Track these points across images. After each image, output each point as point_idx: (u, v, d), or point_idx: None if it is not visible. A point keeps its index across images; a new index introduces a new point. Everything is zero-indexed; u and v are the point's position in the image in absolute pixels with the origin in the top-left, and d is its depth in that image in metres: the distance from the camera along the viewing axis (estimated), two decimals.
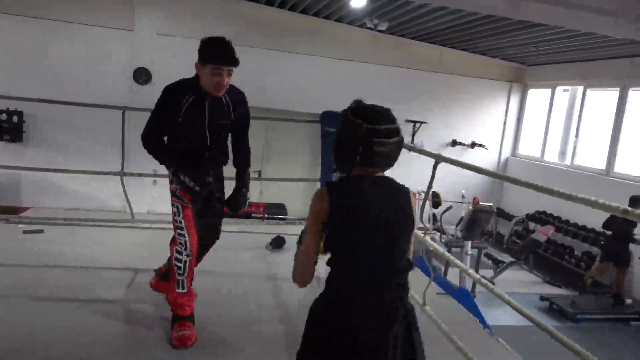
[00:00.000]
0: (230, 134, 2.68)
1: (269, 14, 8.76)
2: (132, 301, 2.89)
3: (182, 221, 2.48)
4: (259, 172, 8.78)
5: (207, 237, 2.75)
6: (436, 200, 9.28)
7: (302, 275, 1.61)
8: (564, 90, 9.58)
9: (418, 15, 7.58)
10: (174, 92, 2.42)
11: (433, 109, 10.05)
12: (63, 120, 7.97)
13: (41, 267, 3.19)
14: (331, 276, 1.61)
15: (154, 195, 7.63)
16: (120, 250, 3.60)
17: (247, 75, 8.41)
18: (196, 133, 2.47)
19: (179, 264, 2.48)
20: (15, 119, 7.98)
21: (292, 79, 9.04)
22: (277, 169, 8.76)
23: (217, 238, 2.82)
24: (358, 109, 1.58)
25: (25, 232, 3.77)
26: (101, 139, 7.28)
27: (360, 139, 1.51)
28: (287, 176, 8.39)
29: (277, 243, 4.06)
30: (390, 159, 1.57)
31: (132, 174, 3.97)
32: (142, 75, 8.32)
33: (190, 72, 2.48)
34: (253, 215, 8.45)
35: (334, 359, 1.54)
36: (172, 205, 2.51)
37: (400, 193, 1.61)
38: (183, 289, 2.50)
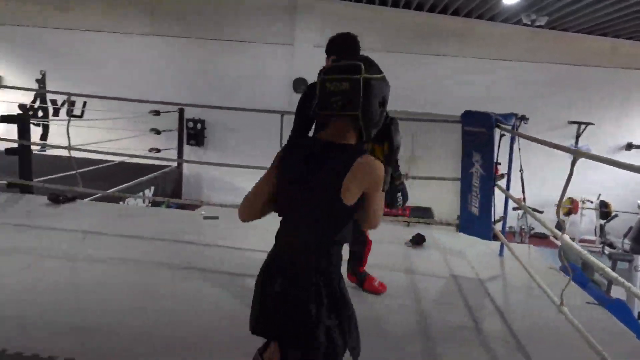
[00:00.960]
0: None
1: (419, 19, 8.88)
2: None
3: None
4: (406, 175, 8.92)
5: (356, 245, 2.94)
6: (605, 211, 8.31)
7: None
8: None
9: (582, 6, 6.94)
10: (311, 87, 2.64)
11: (602, 109, 9.04)
12: (234, 125, 9.21)
13: (214, 246, 3.83)
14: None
15: None
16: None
17: (395, 80, 8.65)
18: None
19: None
20: (199, 126, 9.47)
21: (442, 82, 9.00)
22: (423, 172, 8.79)
23: (365, 245, 2.99)
24: None
25: (205, 217, 4.55)
26: (263, 140, 8.22)
27: (318, 84, 1.48)
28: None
29: (417, 240, 4.18)
30: (334, 99, 1.41)
31: None
32: (300, 85, 9.14)
33: None
34: (399, 218, 8.62)
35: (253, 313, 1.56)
36: None
37: (343, 160, 1.41)
38: None
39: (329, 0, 8.99)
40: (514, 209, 5.38)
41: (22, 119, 5.21)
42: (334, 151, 1.43)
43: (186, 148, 9.36)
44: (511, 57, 8.99)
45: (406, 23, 8.92)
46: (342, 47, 2.48)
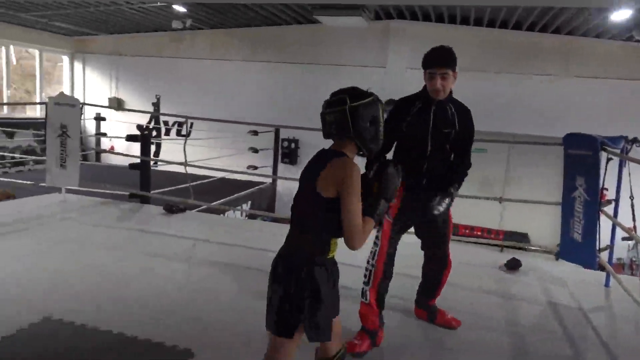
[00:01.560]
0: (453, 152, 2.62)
1: (517, 38, 8.65)
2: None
3: (380, 233, 2.59)
4: (500, 198, 8.58)
5: (434, 265, 2.77)
6: None
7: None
8: None
9: None
10: (404, 101, 2.61)
11: None
12: (326, 145, 9.52)
13: None
14: None
15: None
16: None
17: (491, 101, 8.49)
18: (419, 140, 2.53)
19: (366, 272, 2.58)
20: (293, 145, 9.93)
21: (543, 102, 8.63)
22: (519, 194, 8.43)
23: (445, 267, 2.76)
24: None
25: None
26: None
27: (320, 115, 1.81)
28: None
29: (513, 265, 4.06)
30: (331, 127, 1.74)
31: None
32: (391, 105, 9.27)
33: None
34: (492, 243, 8.30)
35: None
36: None
37: (325, 160, 1.71)
38: (365, 300, 2.55)
39: (422, 23, 9.07)
40: (624, 239, 5.00)
41: (144, 138, 5.88)
42: (330, 157, 1.72)
43: (280, 166, 9.84)
44: (620, 75, 8.39)
45: (503, 42, 8.72)
46: (434, 60, 2.48)
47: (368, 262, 2.60)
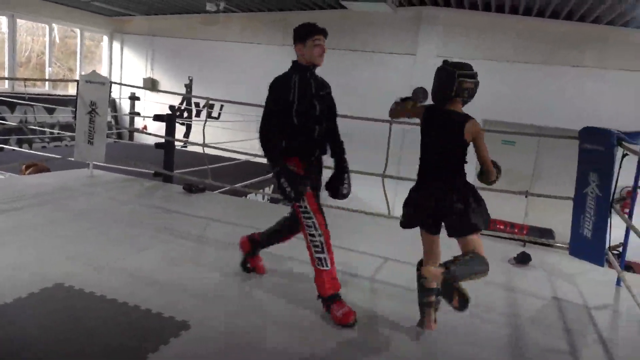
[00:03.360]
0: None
1: (554, 27, 8.36)
2: (379, 281, 3.45)
3: (307, 206, 2.71)
4: (526, 192, 8.38)
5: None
6: None
7: None
8: None
9: None
10: (280, 80, 2.82)
11: None
12: (349, 132, 9.50)
13: None
14: None
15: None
16: (378, 241, 4.27)
17: (521, 92, 8.24)
18: (308, 106, 2.84)
19: (316, 244, 2.66)
20: None
21: (576, 95, 8.33)
22: (548, 190, 8.21)
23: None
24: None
25: None
26: (373, 147, 8.40)
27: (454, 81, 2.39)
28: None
29: (522, 259, 4.01)
30: None
31: (391, 177, 4.64)
32: (420, 94, 9.16)
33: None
34: (515, 238, 8.15)
35: None
36: None
37: None
38: (327, 266, 2.67)
39: (455, 9, 8.86)
40: None
41: (169, 119, 6.07)
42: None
43: None
44: None
45: (539, 32, 8.43)
46: (316, 26, 2.88)
47: (313, 235, 2.68)
